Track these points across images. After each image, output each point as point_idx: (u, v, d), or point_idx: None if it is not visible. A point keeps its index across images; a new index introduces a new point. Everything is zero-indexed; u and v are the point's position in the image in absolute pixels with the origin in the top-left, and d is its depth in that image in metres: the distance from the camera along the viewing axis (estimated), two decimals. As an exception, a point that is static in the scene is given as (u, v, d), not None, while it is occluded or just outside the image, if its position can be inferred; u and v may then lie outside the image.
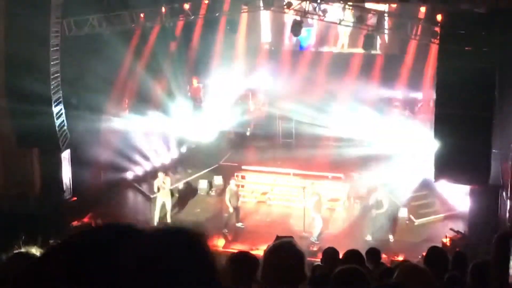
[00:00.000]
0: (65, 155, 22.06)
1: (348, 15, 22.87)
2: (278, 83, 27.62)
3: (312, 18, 24.37)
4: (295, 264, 4.08)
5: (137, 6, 22.82)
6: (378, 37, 25.62)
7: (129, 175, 24.43)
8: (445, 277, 6.97)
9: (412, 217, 21.82)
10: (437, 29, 19.97)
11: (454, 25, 18.28)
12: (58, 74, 21.23)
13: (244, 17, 26.91)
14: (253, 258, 4.82)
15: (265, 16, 28.43)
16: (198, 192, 23.99)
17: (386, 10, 23.88)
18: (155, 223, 21.33)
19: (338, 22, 23.17)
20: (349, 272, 5.15)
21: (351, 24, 23.41)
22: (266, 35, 29.39)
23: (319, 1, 22.08)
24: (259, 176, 24.46)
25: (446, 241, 19.13)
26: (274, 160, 25.03)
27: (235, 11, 24.56)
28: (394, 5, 23.54)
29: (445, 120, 18.41)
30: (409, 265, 5.80)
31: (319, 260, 10.53)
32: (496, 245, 5.14)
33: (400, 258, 18.34)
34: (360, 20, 22.24)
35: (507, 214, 18.26)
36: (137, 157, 24.78)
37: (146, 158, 25.12)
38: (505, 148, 18.68)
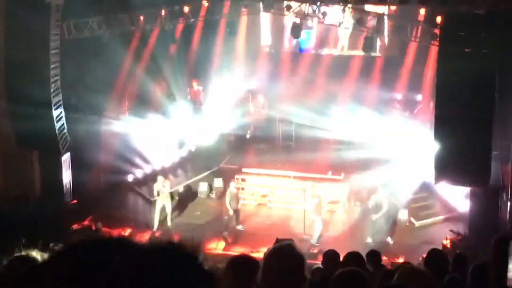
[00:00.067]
0: (65, 158, 22.07)
1: (348, 18, 22.87)
2: (278, 85, 27.59)
3: (312, 21, 24.39)
4: (295, 267, 4.08)
5: (137, 9, 22.83)
6: (378, 39, 25.63)
7: (129, 178, 24.41)
8: (445, 279, 6.97)
9: (412, 219, 21.82)
10: (437, 31, 19.98)
11: (454, 27, 18.28)
12: (58, 77, 21.26)
13: (244, 20, 26.92)
14: (253, 261, 4.82)
15: (265, 19, 28.43)
16: (198, 195, 23.98)
17: (386, 12, 23.88)
18: (155, 226, 21.40)
19: (337, 24, 23.18)
20: (349, 274, 5.14)
21: (351, 27, 23.42)
22: (266, 37, 29.38)
23: (318, 3, 22.07)
24: (259, 179, 24.44)
25: (447, 243, 19.13)
26: (274, 163, 25.01)
27: (235, 14, 24.60)
28: (393, 7, 23.56)
29: (445, 122, 18.40)
30: (409, 267, 5.80)
31: (320, 262, 10.53)
32: (494, 248, 5.15)
33: (401, 260, 18.32)
34: (359, 22, 22.25)
35: (508, 216, 18.27)
36: (137, 160, 24.77)
37: (146, 161, 25.11)
38: (505, 149, 18.70)
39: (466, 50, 17.61)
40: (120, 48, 23.62)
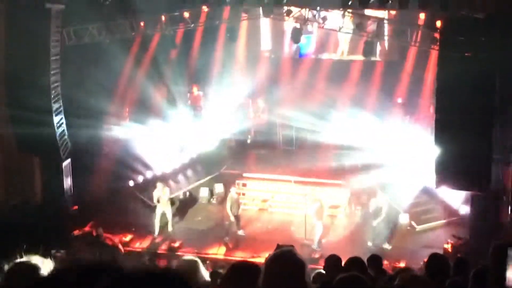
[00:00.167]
0: (66, 164, 22.08)
1: (348, 22, 22.88)
2: (278, 90, 27.61)
3: (312, 25, 24.40)
4: (296, 273, 4.07)
5: (137, 15, 22.86)
6: (377, 43, 25.64)
7: (130, 183, 24.41)
8: (446, 283, 6.96)
9: (413, 223, 21.82)
10: (437, 35, 19.99)
11: (454, 31, 18.29)
12: (59, 83, 21.29)
13: (244, 25, 26.94)
14: (254, 266, 4.81)
15: (265, 24, 28.46)
16: (199, 200, 24.00)
17: (386, 17, 23.90)
18: (156, 232, 21.41)
19: (337, 29, 23.19)
20: (350, 279, 5.14)
21: (351, 31, 23.42)
22: (266, 42, 29.40)
23: (318, 8, 22.10)
24: (260, 184, 24.45)
25: (448, 247, 19.12)
26: (275, 168, 25.04)
27: (235, 19, 24.59)
28: (393, 12, 23.56)
29: (446, 126, 18.40)
30: (409, 274, 5.80)
31: (321, 267, 10.52)
32: (493, 255, 5.17)
33: (402, 264, 18.34)
34: (359, 27, 22.26)
35: (509, 219, 18.26)
36: (138, 166, 24.79)
37: (147, 166, 25.12)
38: (506, 153, 18.68)
39: (466, 54, 17.61)
40: (120, 53, 23.65)
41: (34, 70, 20.16)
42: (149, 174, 24.97)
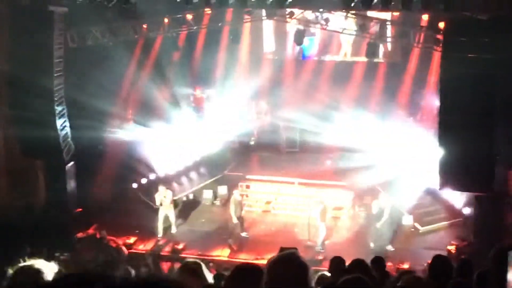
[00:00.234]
0: (70, 167, 22.10)
1: (351, 24, 22.91)
2: (281, 92, 27.61)
3: (315, 27, 24.40)
4: (299, 275, 4.08)
5: (140, 17, 22.86)
6: (380, 45, 25.64)
7: (134, 186, 24.41)
8: (449, 285, 6.96)
9: (417, 225, 21.81)
10: (440, 36, 19.99)
11: (457, 32, 18.27)
12: (62, 86, 21.32)
13: (247, 27, 26.92)
14: (258, 269, 4.82)
15: (268, 26, 28.44)
16: (203, 202, 24.01)
17: (389, 18, 23.86)
18: (160, 234, 21.43)
19: (340, 30, 23.20)
20: (353, 281, 5.14)
21: (354, 33, 23.45)
22: (269, 44, 29.38)
23: (321, 10, 22.09)
24: (264, 186, 24.46)
25: (452, 248, 19.12)
26: (279, 170, 25.05)
27: (237, 21, 24.58)
28: (396, 14, 23.53)
29: (449, 127, 18.38)
30: (412, 277, 5.80)
31: (324, 269, 10.52)
32: (494, 258, 5.20)
33: (406, 266, 18.34)
34: (362, 28, 22.26)
35: (512, 221, 18.27)
36: (142, 168, 24.81)
37: (150, 168, 25.14)
38: (509, 154, 18.66)
39: (469, 55, 17.59)
40: (123, 56, 23.68)
41: (37, 73, 20.16)
42: (152, 176, 24.99)
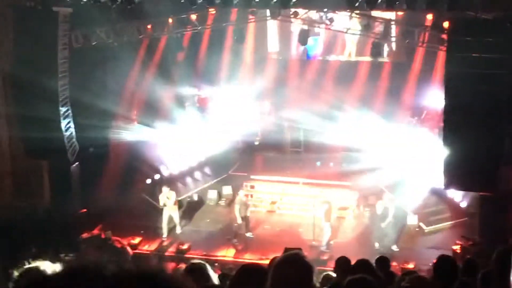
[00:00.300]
0: (75, 167, 22.13)
1: (355, 24, 22.90)
2: (285, 92, 27.59)
3: (319, 27, 24.39)
4: (303, 276, 4.08)
5: (144, 18, 22.89)
6: (385, 45, 25.62)
7: (139, 186, 24.42)
8: (454, 285, 6.95)
9: (422, 225, 21.78)
10: (444, 36, 19.97)
11: (461, 32, 18.24)
12: (67, 87, 21.36)
13: (251, 27, 26.91)
14: (262, 269, 4.82)
15: (272, 26, 28.43)
16: (207, 202, 24.01)
17: (393, 18, 23.84)
18: (165, 235, 21.44)
19: (345, 30, 23.20)
20: (359, 281, 5.14)
21: (358, 33, 23.44)
22: (273, 44, 29.38)
23: (325, 9, 22.08)
24: (268, 186, 24.45)
25: (457, 248, 19.08)
26: (283, 170, 25.03)
27: (242, 21, 24.57)
28: (401, 13, 23.50)
29: (454, 127, 18.37)
30: (416, 277, 5.80)
31: (329, 269, 10.51)
32: (497, 259, 5.21)
33: (411, 266, 18.31)
34: (367, 28, 22.25)
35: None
36: (146, 168, 24.81)
37: (155, 169, 25.15)
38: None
39: (474, 55, 17.57)
40: (128, 56, 23.68)
41: (42, 73, 20.19)
42: (157, 177, 25.00)
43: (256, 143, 27.72)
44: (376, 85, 26.39)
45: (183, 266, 17.55)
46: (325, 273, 9.68)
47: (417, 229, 21.72)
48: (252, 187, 24.23)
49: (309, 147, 26.37)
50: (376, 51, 23.35)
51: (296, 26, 24.89)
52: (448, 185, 19.66)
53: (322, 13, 22.38)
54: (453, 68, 18.32)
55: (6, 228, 18.59)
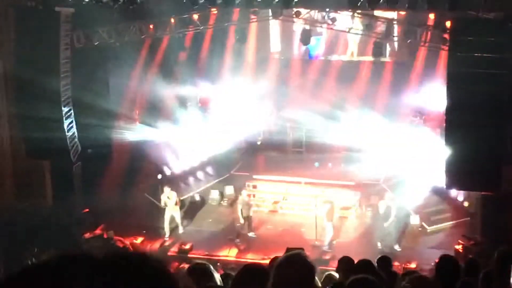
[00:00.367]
0: (77, 167, 22.15)
1: (357, 23, 22.87)
2: (288, 92, 27.59)
3: (321, 27, 24.39)
4: (305, 276, 4.08)
5: (146, 18, 22.90)
6: (387, 44, 25.61)
7: (141, 186, 24.42)
8: (457, 285, 6.95)
9: (424, 224, 21.76)
10: (446, 35, 19.95)
11: (463, 31, 18.25)
12: (69, 87, 21.37)
13: (253, 27, 26.91)
14: (264, 269, 4.83)
15: (274, 26, 28.44)
16: (210, 202, 24.01)
17: (395, 17, 23.85)
18: (167, 234, 21.45)
19: (347, 30, 23.18)
20: (360, 282, 5.14)
21: (360, 32, 23.41)
22: (275, 44, 29.39)
23: (327, 9, 22.08)
24: (271, 185, 24.44)
25: (459, 248, 19.06)
26: (285, 169, 25.02)
27: (244, 21, 24.56)
28: (403, 13, 23.50)
29: (456, 126, 18.37)
30: (417, 276, 5.80)
31: (332, 268, 10.51)
32: (498, 260, 5.23)
33: (413, 265, 18.30)
34: (369, 28, 22.25)
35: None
36: (148, 168, 24.81)
37: (157, 169, 25.14)
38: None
39: (476, 54, 17.57)
40: (130, 56, 23.69)
41: (44, 73, 20.20)
42: (159, 177, 24.98)
43: (258, 143, 27.75)
44: (378, 85, 26.37)
45: (185, 266, 17.57)
46: (327, 273, 9.67)
47: (419, 228, 21.70)
48: (254, 187, 24.23)
49: (311, 147, 26.35)
50: (378, 50, 23.36)
51: (298, 26, 24.88)
52: (450, 184, 19.66)
53: (324, 13, 22.36)
54: (455, 67, 18.33)
55: (8, 228, 18.61)
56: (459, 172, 18.55)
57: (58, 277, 1.74)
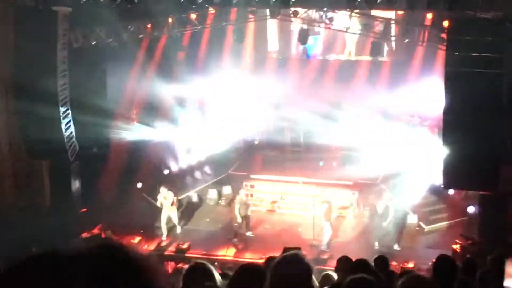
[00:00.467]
0: (75, 167, 22.14)
1: (355, 23, 22.89)
2: (285, 91, 27.57)
3: (319, 26, 24.39)
4: (302, 276, 4.09)
5: (144, 17, 22.89)
6: (385, 44, 25.61)
7: (138, 185, 24.41)
8: (454, 284, 6.96)
9: (422, 224, 21.78)
10: (444, 35, 19.96)
11: (461, 31, 18.24)
12: (67, 86, 21.36)
13: (251, 26, 26.93)
14: (261, 269, 4.83)
15: (272, 25, 28.44)
16: (208, 201, 24.01)
17: (393, 17, 23.86)
18: (164, 234, 21.44)
19: (345, 29, 23.19)
20: (358, 281, 5.14)
21: (358, 32, 23.43)
22: (273, 44, 29.39)
23: (325, 9, 22.09)
24: (268, 185, 24.44)
25: (457, 247, 19.07)
26: (283, 169, 25.02)
27: (242, 21, 24.59)
28: (400, 12, 23.51)
29: (453, 126, 18.37)
30: (415, 275, 5.80)
31: (330, 268, 10.51)
32: (492, 265, 5.28)
33: (411, 265, 18.32)
34: (366, 27, 22.27)
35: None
36: (146, 168, 24.82)
37: (155, 168, 25.15)
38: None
39: (473, 54, 17.58)
40: (128, 56, 23.69)
41: (42, 73, 20.22)
42: (157, 176, 24.99)
43: (256, 142, 27.74)
44: (375, 85, 26.37)
45: (182, 265, 17.57)
46: (325, 273, 9.68)
47: (417, 228, 21.72)
48: (252, 186, 24.23)
49: (309, 146, 26.34)
50: (376, 50, 23.39)
51: (296, 25, 24.90)
52: (447, 184, 19.66)
53: (321, 12, 22.39)
54: (452, 67, 18.32)
55: (6, 228, 18.59)
56: (457, 172, 18.54)
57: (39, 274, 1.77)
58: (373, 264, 9.10)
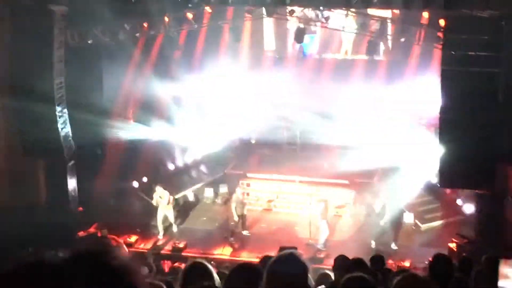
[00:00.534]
0: (71, 166, 22.10)
1: (351, 22, 22.88)
2: (282, 90, 27.57)
3: (315, 25, 24.38)
4: (298, 275, 4.09)
5: (140, 16, 22.86)
6: (381, 43, 25.61)
7: (135, 184, 24.41)
8: (450, 283, 6.98)
9: (418, 222, 21.81)
10: (440, 34, 19.96)
11: (457, 30, 18.25)
12: (63, 85, 21.31)
13: (247, 25, 26.89)
14: (257, 268, 4.82)
15: (268, 24, 28.43)
16: (204, 200, 24.03)
17: (389, 16, 23.86)
18: (161, 233, 21.45)
19: (341, 28, 23.18)
20: (355, 280, 5.15)
21: (354, 31, 23.43)
22: (269, 42, 29.37)
23: (321, 8, 22.07)
24: (265, 184, 24.46)
25: (453, 246, 19.10)
26: (280, 168, 25.02)
27: (238, 19, 24.57)
28: (397, 11, 23.52)
29: (450, 125, 18.39)
30: (410, 274, 5.80)
31: (326, 267, 10.52)
32: (485, 266, 5.32)
33: (407, 264, 18.36)
34: (363, 26, 22.28)
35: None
36: (143, 167, 24.80)
37: (151, 167, 25.13)
38: (510, 151, 18.64)
39: (470, 53, 17.59)
40: (124, 54, 23.64)
41: (38, 72, 20.18)
42: (154, 175, 24.98)
43: (253, 141, 27.74)
44: (372, 83, 26.35)
45: (179, 264, 17.58)
46: (321, 272, 9.68)
47: (413, 227, 21.75)
48: (248, 185, 24.26)
49: (306, 145, 26.34)
50: (372, 49, 23.39)
51: (292, 24, 24.86)
52: (444, 183, 19.67)
53: (318, 11, 22.35)
54: (449, 66, 18.33)
55: (2, 228, 18.57)
56: (453, 171, 18.55)
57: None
58: (369, 263, 9.12)
